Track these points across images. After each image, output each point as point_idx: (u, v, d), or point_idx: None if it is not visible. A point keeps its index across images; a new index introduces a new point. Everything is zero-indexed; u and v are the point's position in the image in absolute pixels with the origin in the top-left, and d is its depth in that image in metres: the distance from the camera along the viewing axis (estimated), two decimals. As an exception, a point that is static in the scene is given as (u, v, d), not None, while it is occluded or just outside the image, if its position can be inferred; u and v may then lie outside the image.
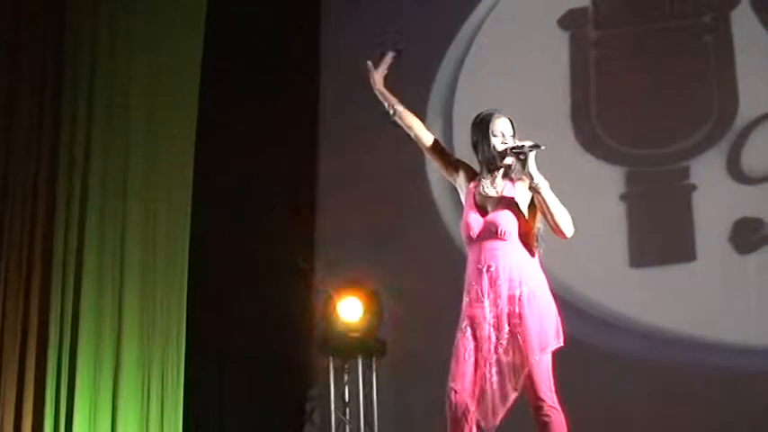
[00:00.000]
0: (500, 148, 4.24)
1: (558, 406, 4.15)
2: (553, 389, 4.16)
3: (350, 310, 7.16)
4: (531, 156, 4.17)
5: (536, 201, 4.19)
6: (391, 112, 4.37)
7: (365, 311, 7.15)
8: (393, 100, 4.38)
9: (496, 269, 4.20)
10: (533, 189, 4.18)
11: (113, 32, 6.93)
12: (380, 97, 4.40)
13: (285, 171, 7.54)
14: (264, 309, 7.29)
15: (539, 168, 4.18)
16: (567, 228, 4.19)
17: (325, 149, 7.73)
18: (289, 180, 7.59)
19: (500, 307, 4.18)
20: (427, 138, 4.37)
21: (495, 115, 4.29)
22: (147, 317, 6.70)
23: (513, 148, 4.20)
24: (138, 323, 6.64)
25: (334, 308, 7.17)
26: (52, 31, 6.68)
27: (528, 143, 4.18)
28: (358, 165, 7.47)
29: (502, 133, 4.27)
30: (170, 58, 7.08)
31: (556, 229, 4.18)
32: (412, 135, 4.37)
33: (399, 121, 4.36)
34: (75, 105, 6.72)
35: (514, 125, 4.31)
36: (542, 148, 4.13)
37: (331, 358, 7.25)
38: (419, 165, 7.11)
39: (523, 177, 4.25)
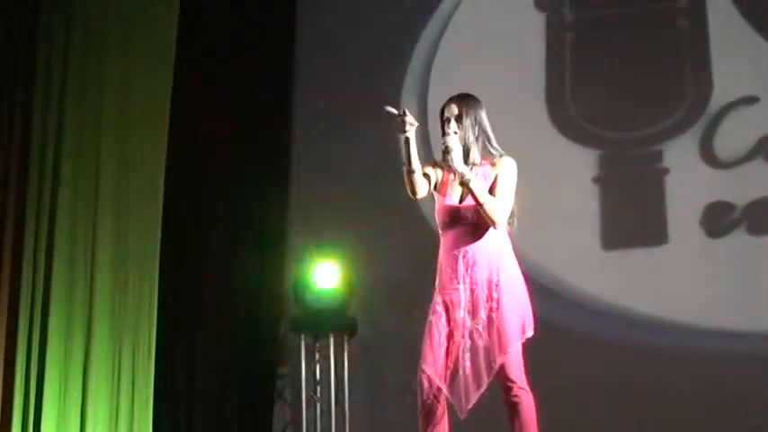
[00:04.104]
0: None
1: (527, 387, 4.19)
2: (523, 370, 4.20)
3: (326, 276, 7.09)
4: (454, 154, 4.18)
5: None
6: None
7: (340, 282, 7.11)
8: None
9: (473, 254, 4.22)
10: (462, 183, 4.20)
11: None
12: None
13: (261, 143, 7.53)
14: (236, 284, 7.28)
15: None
16: (499, 218, 4.21)
17: (300, 129, 7.71)
18: (265, 152, 7.58)
19: (476, 293, 4.19)
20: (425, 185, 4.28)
21: (447, 101, 4.32)
22: (118, 292, 6.67)
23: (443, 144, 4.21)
24: (109, 297, 6.62)
25: (308, 281, 7.13)
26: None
27: (445, 144, 4.18)
28: (335, 145, 7.45)
29: (448, 119, 4.30)
30: (144, 37, 7.08)
31: (488, 219, 4.20)
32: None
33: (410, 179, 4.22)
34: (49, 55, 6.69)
35: (464, 105, 4.31)
36: (452, 153, 4.14)
37: (302, 335, 7.24)
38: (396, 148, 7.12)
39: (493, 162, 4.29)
